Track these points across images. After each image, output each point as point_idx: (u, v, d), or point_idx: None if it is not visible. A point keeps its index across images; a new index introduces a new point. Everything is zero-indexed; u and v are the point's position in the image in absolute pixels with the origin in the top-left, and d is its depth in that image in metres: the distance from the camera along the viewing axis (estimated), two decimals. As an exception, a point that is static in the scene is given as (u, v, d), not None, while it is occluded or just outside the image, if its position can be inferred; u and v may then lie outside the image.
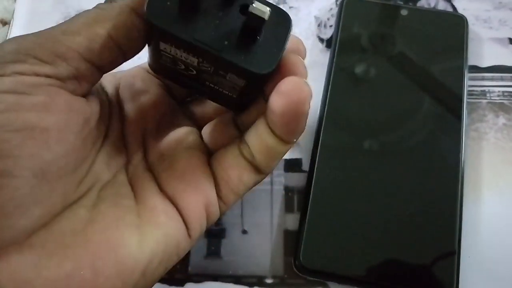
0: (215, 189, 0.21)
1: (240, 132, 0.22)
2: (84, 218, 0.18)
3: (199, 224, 0.20)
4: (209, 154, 0.22)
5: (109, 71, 0.19)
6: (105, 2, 0.19)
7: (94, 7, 0.19)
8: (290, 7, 0.33)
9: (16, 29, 0.33)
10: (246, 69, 0.17)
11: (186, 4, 0.17)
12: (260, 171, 0.21)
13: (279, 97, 0.18)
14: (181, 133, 0.22)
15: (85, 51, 0.17)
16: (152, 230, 0.19)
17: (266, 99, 0.19)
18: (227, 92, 0.20)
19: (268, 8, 0.17)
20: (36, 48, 0.17)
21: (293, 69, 0.18)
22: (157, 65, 0.20)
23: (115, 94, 0.22)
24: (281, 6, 0.32)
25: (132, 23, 0.18)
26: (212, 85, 0.20)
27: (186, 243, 0.20)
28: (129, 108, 0.22)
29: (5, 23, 0.34)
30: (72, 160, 0.18)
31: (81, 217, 0.18)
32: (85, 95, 0.19)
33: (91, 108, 0.19)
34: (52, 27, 0.18)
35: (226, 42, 0.17)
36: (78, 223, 0.18)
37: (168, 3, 0.17)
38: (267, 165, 0.21)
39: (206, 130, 0.23)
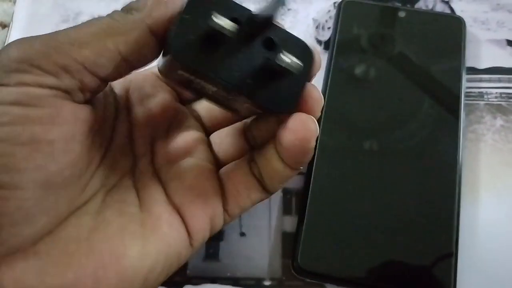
0: (222, 202, 0.21)
1: (250, 146, 0.22)
2: (89, 226, 0.18)
3: (202, 235, 0.20)
4: (217, 165, 0.22)
5: (115, 80, 0.19)
6: (122, 9, 0.18)
7: (109, 15, 0.18)
8: (289, 9, 0.33)
9: (16, 32, 0.33)
10: (267, 108, 0.18)
11: (209, 40, 0.17)
12: (267, 190, 0.21)
13: (287, 133, 0.19)
14: (190, 140, 0.22)
15: (91, 64, 0.17)
16: (155, 240, 0.19)
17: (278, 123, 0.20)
18: (241, 109, 0.20)
19: (296, 61, 0.17)
20: (41, 58, 0.16)
21: (308, 108, 0.19)
22: (170, 75, 0.20)
23: (124, 96, 0.22)
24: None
25: (145, 41, 0.18)
26: (227, 102, 0.20)
27: (188, 252, 0.20)
28: (138, 111, 0.22)
29: (5, 26, 0.34)
30: (77, 168, 0.18)
31: (86, 225, 0.18)
32: (90, 101, 0.19)
33: (96, 114, 0.19)
34: (61, 32, 0.17)
35: (248, 81, 0.17)
36: (83, 230, 0.18)
37: (192, 37, 0.17)
38: (274, 186, 0.21)
39: (216, 140, 0.23)
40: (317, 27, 0.32)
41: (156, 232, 0.19)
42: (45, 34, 0.17)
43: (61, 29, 0.18)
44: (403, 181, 0.26)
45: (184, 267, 0.26)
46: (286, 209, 0.27)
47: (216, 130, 0.23)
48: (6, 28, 0.34)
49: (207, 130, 0.23)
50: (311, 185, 0.26)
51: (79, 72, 0.17)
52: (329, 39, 0.31)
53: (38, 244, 0.17)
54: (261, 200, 0.22)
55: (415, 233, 0.25)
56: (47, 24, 0.33)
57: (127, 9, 0.18)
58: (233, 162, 0.22)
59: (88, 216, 0.18)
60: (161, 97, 0.22)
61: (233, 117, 0.23)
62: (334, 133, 0.28)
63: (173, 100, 0.23)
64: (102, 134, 0.20)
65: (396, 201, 0.26)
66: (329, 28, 0.32)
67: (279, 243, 0.26)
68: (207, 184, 0.21)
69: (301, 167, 0.21)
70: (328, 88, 0.29)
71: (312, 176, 0.27)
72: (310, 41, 0.31)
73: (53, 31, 0.17)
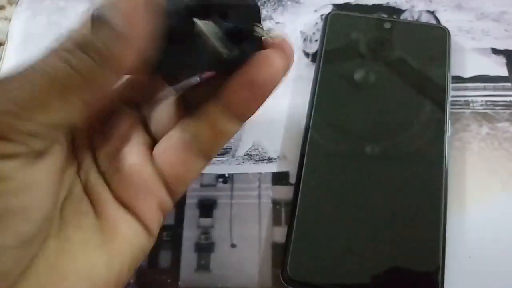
0: (165, 184, 0.20)
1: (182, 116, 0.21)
2: (54, 250, 0.18)
3: (157, 223, 0.20)
4: (155, 143, 0.21)
5: None
6: (77, 46, 0.15)
7: (58, 53, 0.15)
8: (276, 23, 0.33)
9: (11, 51, 0.34)
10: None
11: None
12: (207, 157, 0.20)
13: (248, 72, 0.18)
14: (124, 126, 0.21)
15: (59, 122, 0.16)
16: (118, 245, 0.19)
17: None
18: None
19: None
20: (5, 128, 0.15)
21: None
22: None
23: None
24: (267, 22, 0.33)
25: (109, 84, 0.16)
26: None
27: (149, 242, 0.20)
28: None
29: (0, 44, 0.35)
30: (49, 215, 0.17)
31: (51, 249, 0.18)
32: (56, 147, 0.18)
33: (64, 160, 0.18)
34: (10, 88, 0.15)
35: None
36: (50, 257, 0.17)
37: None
38: (216, 149, 0.20)
39: (152, 116, 0.22)
40: (304, 40, 0.33)
41: (117, 236, 0.19)
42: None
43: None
44: (390, 191, 0.27)
45: (176, 279, 0.26)
46: (276, 220, 0.28)
47: (146, 102, 0.22)
48: (2, 46, 0.34)
49: (138, 105, 0.22)
50: (299, 195, 0.27)
51: (49, 132, 0.16)
52: (316, 51, 0.32)
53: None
54: (203, 168, 0.21)
55: (402, 243, 0.26)
56: (42, 42, 0.34)
57: (83, 48, 0.15)
58: (165, 139, 0.20)
59: (52, 239, 0.18)
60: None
61: (159, 86, 0.22)
62: (322, 143, 0.28)
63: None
64: (64, 174, 0.19)
65: (383, 211, 0.26)
66: (316, 40, 0.32)
67: (269, 253, 0.27)
68: (145, 172, 0.20)
69: (250, 115, 0.20)
70: (315, 98, 0.29)
71: (301, 186, 0.27)
72: (298, 54, 0.32)
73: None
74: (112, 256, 0.18)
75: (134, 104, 0.22)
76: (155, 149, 0.20)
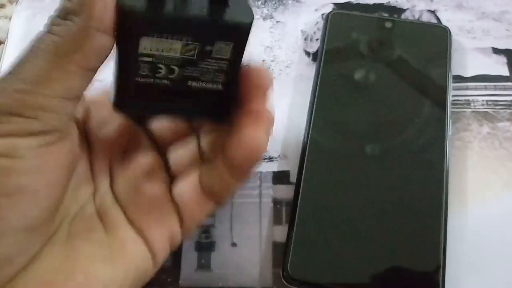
0: (179, 220, 0.21)
1: (202, 159, 0.22)
2: (60, 255, 0.18)
3: (164, 253, 0.21)
4: (172, 182, 0.22)
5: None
6: (58, 16, 0.17)
7: (48, 31, 0.17)
8: (277, 22, 0.33)
9: (11, 49, 0.34)
10: (236, 24, 0.18)
11: None
12: (218, 202, 0.22)
13: (234, 148, 0.19)
14: (145, 163, 0.22)
15: (65, 93, 0.17)
16: (124, 262, 0.19)
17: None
18: (210, 85, 0.20)
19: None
20: (17, 105, 0.16)
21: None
22: (128, 91, 0.20)
23: (83, 123, 0.22)
24: (268, 21, 0.33)
25: (102, 44, 0.17)
26: (195, 84, 0.20)
27: (153, 269, 0.21)
28: (96, 137, 0.22)
29: (0, 42, 0.35)
30: (55, 207, 0.18)
31: (57, 254, 0.18)
32: (68, 133, 0.18)
33: (73, 150, 0.19)
34: (13, 76, 0.16)
35: (204, 10, 0.18)
36: (55, 260, 0.18)
37: None
38: (225, 198, 0.22)
39: (171, 156, 0.23)
40: (305, 39, 0.33)
41: (124, 255, 0.19)
42: (1, 78, 0.17)
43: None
44: (391, 190, 0.27)
45: (176, 278, 0.26)
46: (276, 219, 0.28)
47: (170, 145, 0.23)
48: (2, 45, 0.34)
49: (161, 146, 0.24)
50: (300, 194, 0.27)
51: (58, 106, 0.17)
52: (317, 50, 0.32)
53: (15, 280, 0.17)
54: (214, 211, 0.22)
55: (403, 242, 0.26)
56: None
57: (63, 15, 0.17)
58: (185, 179, 0.22)
59: (58, 245, 0.19)
60: (118, 122, 0.23)
61: (185, 131, 0.23)
62: (322, 143, 0.28)
63: (129, 123, 0.23)
64: (74, 168, 0.20)
65: (384, 210, 0.26)
66: (317, 39, 0.32)
67: (270, 252, 0.27)
68: (163, 207, 0.21)
69: (249, 178, 0.22)
70: (316, 98, 0.29)
71: (301, 185, 0.27)
72: (299, 53, 0.32)
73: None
74: (117, 271, 0.19)
75: (156, 142, 0.23)
76: (174, 187, 0.22)
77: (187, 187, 0.22)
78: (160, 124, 0.24)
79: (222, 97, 0.21)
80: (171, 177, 0.23)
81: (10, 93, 0.16)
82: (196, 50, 0.19)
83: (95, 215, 0.21)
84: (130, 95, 0.20)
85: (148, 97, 0.20)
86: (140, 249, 0.20)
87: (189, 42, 0.18)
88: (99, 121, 0.22)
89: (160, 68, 0.19)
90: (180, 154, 0.23)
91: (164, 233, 0.21)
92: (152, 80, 0.19)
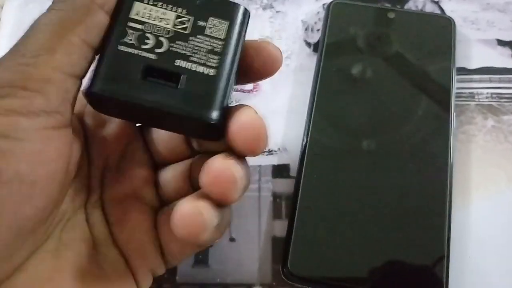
0: (160, 255, 0.21)
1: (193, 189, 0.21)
2: (50, 266, 0.17)
3: (146, 283, 0.21)
4: (162, 205, 0.22)
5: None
6: None
7: (51, 8, 0.17)
8: (277, 11, 0.32)
9: (3, 39, 0.33)
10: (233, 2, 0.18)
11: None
12: (201, 246, 0.22)
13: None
14: (138, 181, 0.21)
15: (67, 67, 0.16)
16: (111, 284, 0.19)
17: None
18: (201, 68, 0.18)
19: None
20: (21, 78, 0.15)
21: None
22: (107, 68, 0.18)
23: (81, 120, 0.21)
24: (267, 11, 0.32)
25: (102, 22, 0.17)
26: (184, 64, 0.18)
27: None
28: (93, 139, 0.21)
29: (-8, 32, 0.34)
30: (49, 210, 0.17)
31: (47, 265, 0.17)
32: (69, 121, 0.17)
33: (74, 146, 0.18)
34: (18, 48, 0.16)
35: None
36: (45, 271, 0.17)
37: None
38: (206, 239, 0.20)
39: (163, 178, 0.22)
40: (306, 29, 0.32)
41: (111, 277, 0.19)
42: (3, 56, 0.16)
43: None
44: (394, 184, 0.26)
45: (173, 274, 0.26)
46: (276, 214, 0.27)
47: (166, 164, 0.22)
48: (-6, 34, 0.33)
49: (157, 163, 0.23)
50: (300, 189, 0.26)
51: (61, 80, 0.16)
52: (318, 41, 0.31)
53: None
54: (197, 251, 0.22)
55: (406, 236, 0.25)
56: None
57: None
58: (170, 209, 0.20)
59: (48, 254, 0.18)
60: (115, 124, 0.21)
61: (181, 152, 0.22)
62: (323, 136, 0.27)
63: (128, 125, 0.22)
64: (73, 171, 0.19)
65: (386, 204, 0.26)
66: (318, 30, 0.32)
67: (269, 248, 0.26)
68: (146, 237, 0.20)
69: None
70: (317, 89, 0.28)
71: (302, 179, 0.26)
72: (299, 43, 0.31)
73: None
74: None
75: (152, 157, 0.22)
76: (160, 217, 0.21)
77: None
78: (160, 139, 0.22)
79: (214, 92, 0.18)
80: (160, 199, 0.22)
81: (13, 66, 0.16)
82: (190, 24, 0.18)
83: (85, 224, 0.20)
84: (107, 73, 0.17)
85: (127, 75, 0.17)
86: (125, 276, 0.20)
87: (183, 14, 0.18)
88: (96, 122, 0.21)
89: (148, 39, 0.18)
90: (171, 177, 0.22)
91: (146, 265, 0.20)
92: (136, 51, 0.18)
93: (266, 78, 0.20)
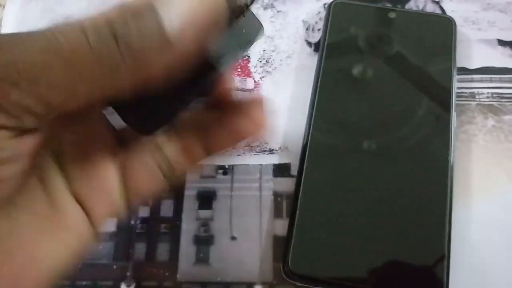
0: (123, 190, 0.20)
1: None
2: (2, 229, 0.17)
3: (104, 222, 0.20)
4: (120, 144, 0.20)
5: None
6: (109, 32, 0.13)
7: (85, 34, 0.13)
8: (278, 11, 0.32)
9: (4, 37, 0.33)
10: None
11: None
12: (171, 181, 0.20)
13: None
14: (99, 134, 0.20)
15: (57, 105, 0.14)
16: (66, 237, 0.18)
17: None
18: None
19: None
20: (1, 98, 0.13)
21: None
22: None
23: None
24: (268, 10, 0.32)
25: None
26: None
27: (94, 239, 0.20)
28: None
29: (-6, 30, 0.34)
30: (14, 193, 0.17)
31: (1, 230, 0.17)
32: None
33: (42, 137, 0.17)
34: (10, 46, 0.13)
35: None
36: None
37: None
38: (184, 173, 0.20)
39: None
40: (307, 29, 0.32)
41: (66, 229, 0.18)
42: None
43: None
44: (395, 183, 0.26)
45: (174, 272, 0.26)
46: (277, 213, 0.27)
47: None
48: (-4, 33, 0.34)
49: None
50: (301, 188, 0.26)
51: (44, 112, 0.14)
52: (319, 40, 0.31)
53: None
54: (162, 189, 0.20)
55: (407, 235, 0.25)
56: (36, 28, 0.33)
57: (113, 29, 0.13)
58: (137, 147, 0.20)
59: (1, 218, 0.17)
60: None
61: None
62: (324, 136, 0.27)
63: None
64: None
65: (387, 203, 0.26)
66: (319, 29, 0.32)
67: (270, 246, 0.26)
68: (108, 174, 0.19)
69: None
70: (318, 89, 0.28)
71: (303, 179, 0.26)
72: (300, 43, 0.31)
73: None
74: (60, 247, 0.18)
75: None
76: (125, 153, 0.20)
77: (140, 165, 0.20)
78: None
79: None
80: (120, 137, 0.21)
81: None
82: None
83: (38, 182, 0.19)
84: None
85: None
86: (82, 221, 0.19)
87: None
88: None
89: None
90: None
91: (105, 203, 0.19)
92: None
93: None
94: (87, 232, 0.19)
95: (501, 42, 0.31)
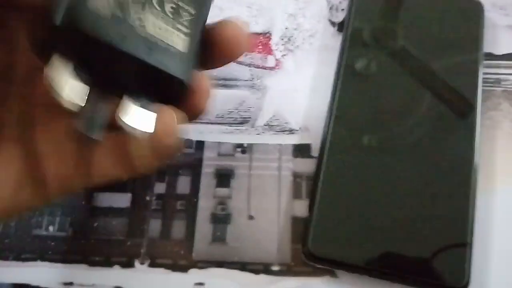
0: (87, 166, 0.19)
1: None
2: None
3: (58, 191, 0.19)
4: None
5: None
6: None
7: None
8: (301, -10, 0.32)
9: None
10: None
11: None
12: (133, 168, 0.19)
13: None
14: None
15: None
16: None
17: None
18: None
19: None
20: None
21: None
22: None
23: None
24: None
25: None
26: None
27: (38, 199, 0.19)
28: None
29: None
30: None
31: None
32: None
33: None
34: None
35: None
36: None
37: None
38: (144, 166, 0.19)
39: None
40: (330, 8, 0.31)
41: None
42: None
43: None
44: (418, 169, 0.26)
45: (189, 251, 0.25)
46: (296, 193, 0.26)
47: None
48: None
49: None
50: (323, 169, 0.25)
51: None
52: (343, 20, 0.30)
53: None
54: (126, 177, 0.19)
55: (429, 221, 0.25)
56: None
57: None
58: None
59: None
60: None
61: None
62: (349, 119, 0.27)
63: None
64: None
65: (409, 188, 0.25)
66: (343, 9, 0.31)
67: (289, 227, 0.26)
68: (74, 144, 0.18)
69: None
70: (341, 72, 0.28)
71: (325, 160, 0.26)
72: (324, 23, 0.31)
73: None
74: None
75: None
76: None
77: (109, 137, 0.18)
78: None
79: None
80: None
81: None
82: None
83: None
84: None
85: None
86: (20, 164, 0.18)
87: None
88: None
89: None
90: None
91: (62, 169, 0.18)
92: None
93: (228, 62, 0.19)
94: (25, 182, 0.18)
95: (529, 29, 0.30)
